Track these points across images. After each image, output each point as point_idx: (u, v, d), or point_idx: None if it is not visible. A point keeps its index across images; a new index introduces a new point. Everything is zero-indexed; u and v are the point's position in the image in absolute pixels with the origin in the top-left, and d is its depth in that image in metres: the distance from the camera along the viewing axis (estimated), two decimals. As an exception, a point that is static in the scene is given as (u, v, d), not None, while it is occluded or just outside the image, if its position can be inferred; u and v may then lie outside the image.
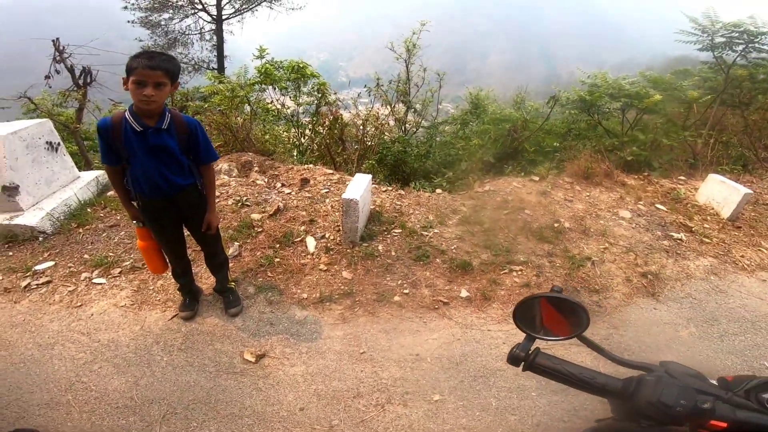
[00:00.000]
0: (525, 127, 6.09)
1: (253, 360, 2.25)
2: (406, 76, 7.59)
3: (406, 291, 2.76)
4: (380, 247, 3.13)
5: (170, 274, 2.45)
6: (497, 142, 6.02)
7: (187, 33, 16.35)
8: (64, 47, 7.14)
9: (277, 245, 3.07)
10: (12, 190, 3.29)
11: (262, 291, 2.73)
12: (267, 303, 2.65)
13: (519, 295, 2.78)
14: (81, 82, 7.74)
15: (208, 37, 16.52)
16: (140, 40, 15.81)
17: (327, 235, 3.22)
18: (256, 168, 4.01)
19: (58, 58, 7.47)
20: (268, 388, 2.12)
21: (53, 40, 6.81)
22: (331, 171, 4.19)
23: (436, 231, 3.36)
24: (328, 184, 3.88)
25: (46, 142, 3.68)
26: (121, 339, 2.37)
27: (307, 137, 6.85)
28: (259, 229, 3.21)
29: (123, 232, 3.19)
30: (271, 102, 7.66)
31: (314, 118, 7.18)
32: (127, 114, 1.74)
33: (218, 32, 15.86)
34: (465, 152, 5.95)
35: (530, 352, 0.74)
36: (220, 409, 2.00)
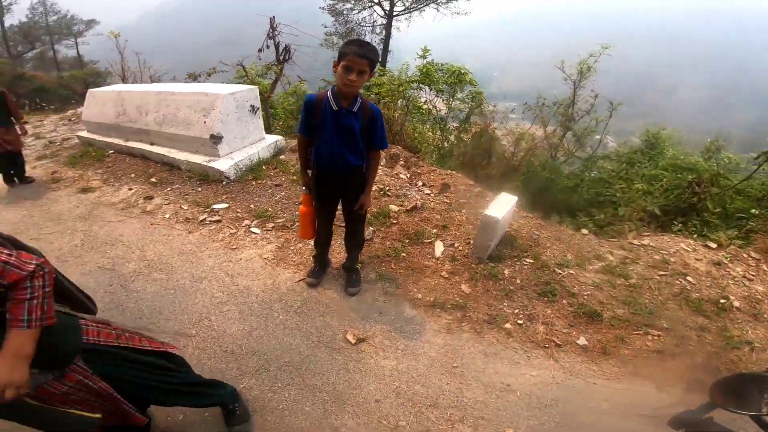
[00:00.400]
0: (713, 183, 5.00)
1: (353, 341, 2.35)
2: (572, 100, 6.98)
3: (519, 321, 2.58)
4: (506, 272, 2.96)
5: (313, 241, 2.71)
6: (669, 193, 5.09)
7: (361, 24, 17.99)
8: (276, 25, 8.32)
9: (407, 241, 3.17)
10: (217, 139, 4.11)
11: (382, 280, 2.84)
12: (383, 292, 2.75)
13: (646, 359, 2.35)
14: (281, 57, 9.06)
15: (378, 30, 17.88)
16: (325, 26, 17.98)
17: (456, 245, 3.19)
18: (402, 162, 4.20)
19: (270, 34, 8.87)
20: (356, 371, 2.18)
21: (270, 18, 7.93)
22: (471, 182, 4.12)
23: (571, 272, 3.03)
24: (468, 195, 3.84)
25: (251, 106, 4.48)
26: (254, 288, 2.73)
27: (450, 142, 6.90)
28: (394, 221, 3.35)
29: (284, 193, 3.70)
30: (425, 102, 7.89)
31: (462, 125, 7.17)
32: (329, 93, 1.99)
33: (387, 27, 17.02)
34: (624, 196, 5.21)
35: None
36: (306, 378, 2.14)
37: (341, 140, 2.06)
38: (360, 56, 1.81)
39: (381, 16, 17.53)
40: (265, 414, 1.96)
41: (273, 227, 3.28)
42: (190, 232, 3.29)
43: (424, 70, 7.39)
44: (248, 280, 2.81)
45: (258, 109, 4.62)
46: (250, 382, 2.11)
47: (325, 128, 2.04)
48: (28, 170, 4.52)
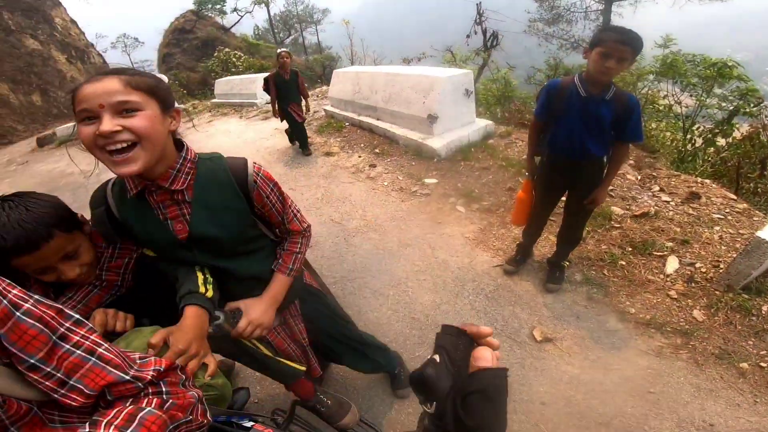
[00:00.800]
0: None
1: (538, 339, 2.21)
2: None
3: (763, 365, 1.99)
4: (765, 308, 2.25)
5: (522, 229, 2.63)
6: None
7: (572, 10, 15.94)
8: (483, 11, 8.19)
9: (629, 248, 2.72)
10: (433, 119, 4.38)
11: (589, 284, 2.55)
12: (586, 297, 2.47)
13: None
14: (488, 43, 8.92)
15: (593, 17, 15.53)
16: (528, 12, 16.69)
17: (697, 265, 2.56)
18: (632, 161, 3.58)
19: (477, 20, 8.82)
20: (531, 369, 2.06)
21: (477, 4, 7.88)
22: (733, 196, 3.19)
23: None
24: (726, 210, 2.99)
25: (465, 89, 4.59)
26: (451, 264, 2.81)
27: (694, 145, 5.52)
28: (617, 225, 2.92)
29: (491, 177, 3.69)
30: (665, 96, 6.55)
31: (719, 127, 5.61)
32: (576, 79, 1.90)
33: (606, 12, 14.59)
34: None
35: None
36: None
37: (584, 128, 1.93)
38: (622, 43, 1.68)
39: (596, 2, 15.16)
40: (429, 387, 2.05)
41: (477, 208, 3.33)
42: (402, 201, 3.66)
43: (669, 61, 6.10)
44: (447, 254, 2.93)
45: (471, 93, 4.69)
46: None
47: (567, 114, 1.95)
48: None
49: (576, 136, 1.96)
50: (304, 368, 1.39)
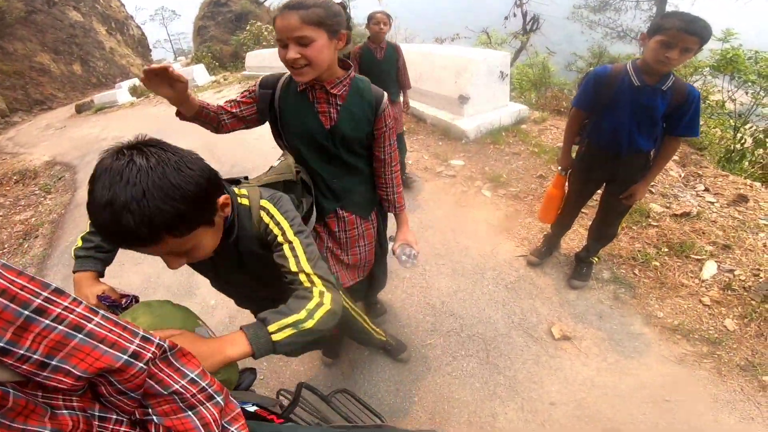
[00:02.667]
0: None
1: (556, 336, 2.12)
2: None
3: None
4: None
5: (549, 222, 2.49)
6: None
7: None
8: None
9: (665, 249, 2.55)
10: (465, 99, 4.21)
11: (616, 283, 2.42)
12: (612, 297, 2.35)
13: None
14: (528, 27, 8.55)
15: (646, 6, 14.51)
16: None
17: (736, 272, 2.38)
18: (676, 157, 3.33)
19: (518, 2, 8.44)
20: (545, 367, 1.99)
21: None
22: (788, 202, 2.93)
23: None
24: (775, 217, 2.76)
25: (500, 71, 4.38)
26: (472, 250, 2.70)
27: (743, 145, 5.14)
28: (654, 223, 2.74)
29: (521, 162, 3.52)
30: (719, 91, 6.11)
31: (775, 128, 5.19)
32: (629, 66, 1.75)
33: (661, 3, 13.57)
34: None
35: None
36: (491, 355, 2.04)
37: (634, 119, 1.78)
38: (687, 32, 1.50)
39: (648, -12, 14.12)
40: (436, 376, 1.99)
41: (504, 194, 3.19)
42: (426, 181, 3.56)
43: (729, 56, 5.65)
44: (469, 240, 2.83)
45: (507, 75, 4.48)
46: (437, 341, 2.16)
47: (615, 104, 1.80)
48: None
49: (623, 129, 1.81)
50: (384, 338, 1.90)
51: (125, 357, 0.52)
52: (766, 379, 1.89)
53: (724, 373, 1.93)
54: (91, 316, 0.50)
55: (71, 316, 0.47)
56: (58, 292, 0.47)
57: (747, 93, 5.76)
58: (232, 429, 0.65)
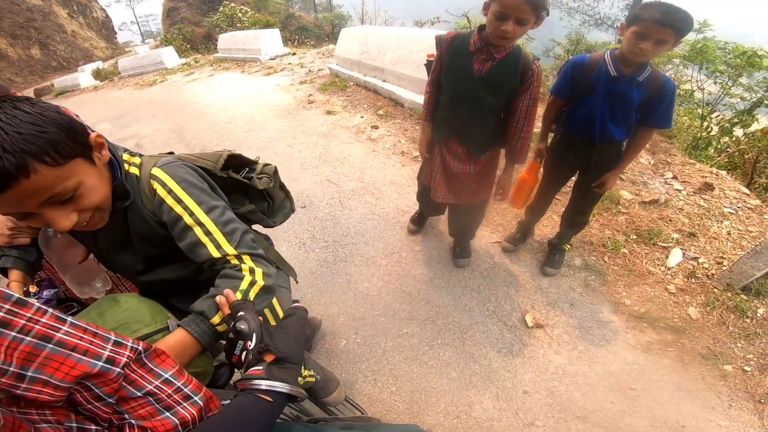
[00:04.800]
0: None
1: (529, 324, 2.15)
2: None
3: (747, 368, 1.95)
4: (761, 311, 2.20)
5: (525, 207, 2.50)
6: None
7: None
8: None
9: (634, 236, 2.61)
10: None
11: (587, 270, 2.46)
12: (583, 284, 2.39)
13: None
14: None
15: None
16: None
17: (701, 260, 2.46)
18: (647, 145, 3.40)
19: None
20: (518, 356, 2.02)
21: None
22: (747, 191, 3.04)
23: None
24: (738, 205, 2.86)
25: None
26: (448, 236, 2.66)
27: (710, 133, 5.34)
28: (624, 210, 2.80)
29: (497, 150, 3.50)
30: (688, 81, 6.29)
31: (740, 117, 5.40)
32: (607, 56, 1.75)
33: None
34: None
35: None
36: (466, 344, 2.06)
37: (609, 109, 1.79)
38: (662, 24, 1.49)
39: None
40: (413, 365, 1.99)
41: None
42: (403, 165, 3.51)
43: (699, 46, 5.81)
44: (445, 226, 2.80)
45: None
46: (413, 330, 2.16)
47: (591, 93, 1.80)
48: (293, 91, 5.62)
49: (597, 118, 1.82)
50: None
51: (101, 363, 0.52)
52: (726, 368, 1.95)
53: (687, 361, 1.99)
54: (58, 325, 0.49)
55: (37, 326, 0.47)
56: (20, 303, 0.46)
57: (716, 83, 5.95)
58: None
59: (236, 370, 0.68)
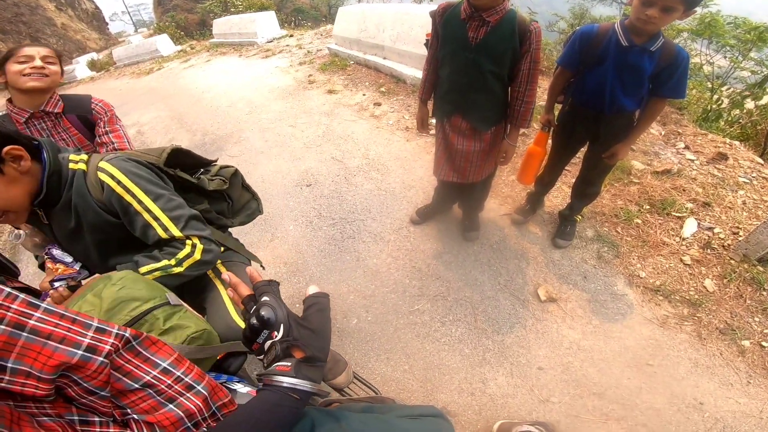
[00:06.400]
0: None
1: (542, 298, 2.11)
2: None
3: (765, 344, 1.91)
4: None
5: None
6: None
7: None
8: None
9: (647, 206, 2.56)
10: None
11: (600, 241, 2.41)
12: (596, 256, 2.34)
13: None
14: None
15: None
16: None
17: (716, 230, 2.41)
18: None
19: None
20: (532, 331, 1.98)
21: None
22: (761, 161, 2.97)
23: None
24: (753, 175, 2.78)
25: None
26: (457, 209, 2.58)
27: (719, 105, 5.25)
28: (636, 180, 2.73)
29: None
30: (697, 55, 6.18)
31: (751, 90, 5.31)
32: (617, 26, 1.70)
33: None
34: None
35: None
36: (479, 320, 2.02)
37: (619, 79, 1.75)
38: None
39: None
40: (425, 343, 1.96)
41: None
42: (407, 141, 3.45)
43: (707, 20, 5.73)
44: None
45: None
46: (424, 306, 2.12)
47: (600, 64, 1.75)
48: (292, 72, 5.50)
49: (607, 88, 1.78)
50: None
51: (80, 352, 0.48)
52: (744, 343, 1.91)
53: (704, 336, 1.95)
54: (30, 312, 0.46)
55: (8, 314, 0.44)
56: None
57: (725, 57, 5.84)
58: (221, 416, 0.61)
59: (256, 357, 0.64)
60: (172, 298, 0.82)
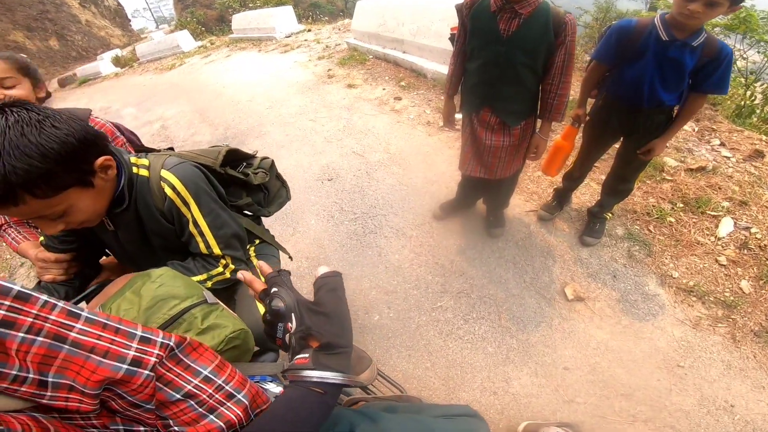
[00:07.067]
0: None
1: (569, 297, 2.05)
2: None
3: None
4: None
5: (563, 173, 2.40)
6: None
7: None
8: None
9: (680, 204, 2.46)
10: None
11: (630, 239, 2.33)
12: (626, 255, 2.27)
13: None
14: None
15: None
16: None
17: (753, 230, 2.31)
18: (691, 110, 3.19)
19: None
20: (558, 330, 1.93)
21: None
22: (801, 158, 2.82)
23: None
24: (793, 171, 2.65)
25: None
26: (480, 204, 2.55)
27: (752, 102, 5.05)
28: (669, 178, 2.63)
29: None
30: (732, 49, 5.97)
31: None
32: (657, 21, 1.65)
33: None
34: None
35: None
36: (503, 318, 1.99)
37: (659, 73, 1.70)
38: None
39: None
40: (448, 341, 1.94)
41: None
42: (429, 135, 3.41)
43: (742, 15, 5.56)
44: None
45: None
46: (447, 303, 2.09)
47: (639, 58, 1.71)
48: (311, 67, 5.51)
49: (645, 82, 1.73)
50: None
51: (125, 366, 0.45)
52: None
53: (738, 338, 1.88)
54: (71, 323, 0.43)
55: (47, 325, 0.41)
56: (22, 297, 0.40)
57: (759, 52, 5.63)
58: None
59: (285, 353, 0.61)
60: (209, 296, 0.80)
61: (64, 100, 8.73)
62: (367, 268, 2.34)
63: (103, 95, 7.97)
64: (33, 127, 0.66)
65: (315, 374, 0.54)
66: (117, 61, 11.79)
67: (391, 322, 2.04)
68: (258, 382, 0.78)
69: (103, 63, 11.40)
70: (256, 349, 0.88)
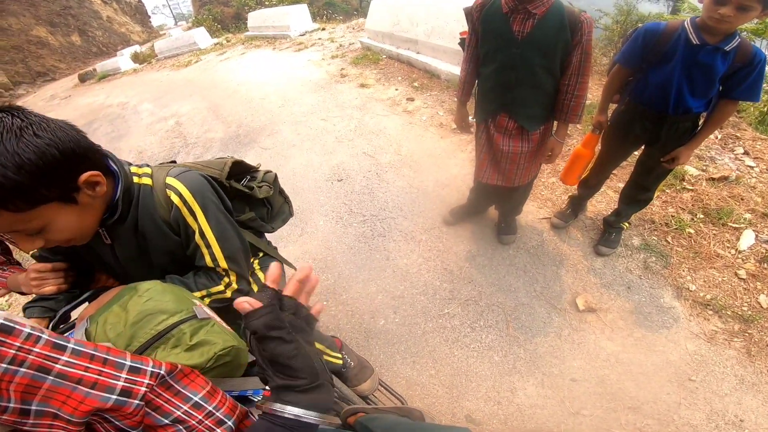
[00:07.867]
0: None
1: (580, 307, 2.00)
2: None
3: None
4: None
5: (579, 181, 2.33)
6: None
7: None
8: None
9: (700, 215, 2.38)
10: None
11: (647, 250, 2.26)
12: (642, 266, 2.20)
13: None
14: None
15: None
16: None
17: (777, 243, 2.21)
18: (713, 117, 3.08)
19: None
20: (567, 341, 1.88)
21: None
22: (829, 169, 2.70)
23: None
24: (820, 183, 2.54)
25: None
26: (492, 211, 2.53)
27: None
28: (689, 187, 2.55)
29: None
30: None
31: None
32: (687, 24, 1.59)
33: None
34: None
35: None
36: (511, 327, 1.95)
37: (687, 78, 1.63)
38: None
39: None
40: (454, 348, 1.90)
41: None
42: (441, 138, 3.37)
43: None
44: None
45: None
46: (455, 310, 2.06)
47: (666, 62, 1.65)
48: (324, 66, 5.51)
49: (673, 87, 1.66)
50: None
51: (114, 396, 0.45)
52: None
53: (754, 353, 1.82)
54: (56, 355, 0.43)
55: (30, 357, 0.41)
56: (5, 330, 0.40)
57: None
58: None
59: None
60: (200, 311, 0.77)
61: (84, 95, 8.91)
62: (374, 272, 2.32)
63: (121, 90, 8.11)
64: (13, 134, 0.62)
65: (278, 408, 0.51)
66: (136, 57, 12.00)
67: (396, 327, 2.02)
68: (251, 395, 0.77)
69: (123, 59, 11.61)
70: (251, 359, 0.85)
